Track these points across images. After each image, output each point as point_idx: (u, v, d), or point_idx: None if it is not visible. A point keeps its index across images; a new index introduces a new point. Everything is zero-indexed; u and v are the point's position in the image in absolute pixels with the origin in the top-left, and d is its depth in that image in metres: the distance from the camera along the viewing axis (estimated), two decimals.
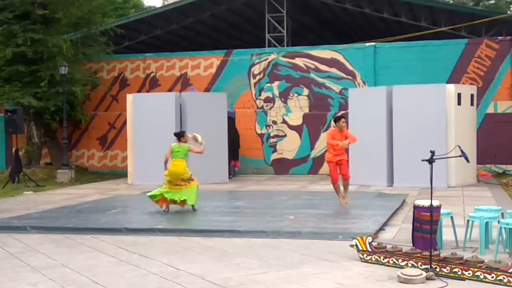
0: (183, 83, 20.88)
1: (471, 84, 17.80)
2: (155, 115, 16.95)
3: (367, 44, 19.58)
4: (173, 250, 8.13)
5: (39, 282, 6.52)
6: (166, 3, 39.94)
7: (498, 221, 7.64)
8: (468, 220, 7.91)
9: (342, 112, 11.99)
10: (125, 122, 18.89)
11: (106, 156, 21.57)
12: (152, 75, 21.20)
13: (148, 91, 20.77)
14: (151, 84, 21.18)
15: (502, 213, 8.18)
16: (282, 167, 19.80)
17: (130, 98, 17.85)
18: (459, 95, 15.59)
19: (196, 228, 9.52)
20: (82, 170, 20.81)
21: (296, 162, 19.86)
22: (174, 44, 23.74)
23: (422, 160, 6.73)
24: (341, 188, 11.76)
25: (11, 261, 7.59)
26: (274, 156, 19.99)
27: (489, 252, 7.45)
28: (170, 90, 20.44)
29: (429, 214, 6.92)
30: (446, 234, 8.06)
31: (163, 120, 16.77)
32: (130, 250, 8.13)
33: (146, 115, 17.09)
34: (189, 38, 24.58)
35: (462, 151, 6.99)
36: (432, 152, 6.61)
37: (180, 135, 11.60)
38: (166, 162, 11.47)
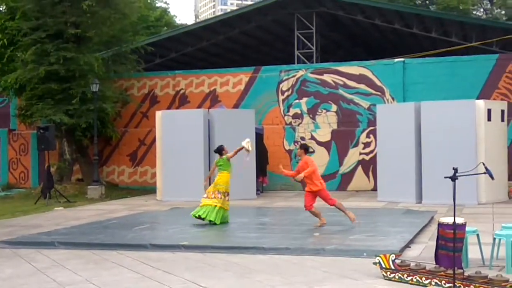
0: (212, 99, 21.04)
1: (502, 99, 17.56)
2: (184, 131, 17.11)
3: (396, 60, 19.50)
4: (197, 266, 8.17)
5: None
6: (197, 20, 40.46)
7: None
8: (494, 238, 7.78)
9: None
10: (154, 139, 19.10)
11: (136, 172, 21.81)
12: (181, 92, 21.41)
13: (177, 108, 20.98)
14: (180, 101, 21.38)
15: None
16: None
17: (159, 114, 18.06)
18: (489, 111, 15.38)
19: (221, 244, 9.56)
20: (112, 186, 21.05)
21: (324, 178, 19.47)
22: (204, 61, 24.01)
23: (445, 177, 6.66)
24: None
25: (38, 277, 7.72)
26: None
27: None
28: (199, 106, 20.60)
29: (453, 231, 6.85)
30: (472, 252, 7.94)
31: (191, 136, 16.93)
32: (154, 266, 8.19)
33: (175, 131, 17.27)
34: (219, 55, 24.83)
35: (486, 168, 6.90)
36: (455, 169, 6.55)
37: (219, 151, 12.41)
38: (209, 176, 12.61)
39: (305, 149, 11.43)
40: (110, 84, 20.96)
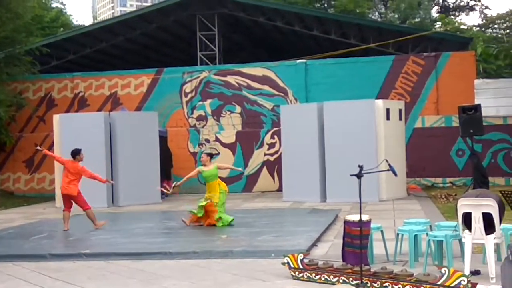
0: (113, 102, 20.45)
1: (399, 99, 18.18)
2: (84, 135, 16.43)
3: (298, 61, 19.75)
4: (100, 275, 7.82)
5: None
6: (96, 21, 39.31)
7: (427, 234, 7.70)
8: (397, 234, 7.95)
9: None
10: (52, 144, 18.26)
11: (33, 179, 20.82)
12: (80, 94, 20.68)
13: (76, 111, 20.22)
14: (79, 104, 20.64)
15: (430, 226, 8.28)
16: None
17: (57, 118, 17.30)
18: (388, 110, 15.87)
19: (125, 251, 9.19)
20: (7, 194, 20.00)
21: (230, 180, 19.58)
22: (104, 63, 23.28)
23: (351, 175, 6.71)
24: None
25: None
26: None
27: (418, 265, 7.50)
28: (99, 109, 19.95)
29: (359, 228, 6.92)
30: (377, 248, 8.08)
31: (92, 140, 16.29)
32: (54, 277, 7.76)
33: (74, 135, 16.53)
34: (119, 56, 24.16)
35: (389, 165, 7.03)
36: (361, 167, 6.61)
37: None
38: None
39: (211, 156, 12.11)
40: (3, 87, 19.84)
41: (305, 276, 7.03)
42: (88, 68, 22.15)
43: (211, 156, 12.03)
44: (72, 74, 20.94)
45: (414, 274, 6.34)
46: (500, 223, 6.82)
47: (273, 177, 19.31)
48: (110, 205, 16.43)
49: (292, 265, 7.17)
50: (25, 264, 8.66)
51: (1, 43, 20.07)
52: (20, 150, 20.89)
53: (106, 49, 23.03)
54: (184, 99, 20.09)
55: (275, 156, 19.18)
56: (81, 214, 12.42)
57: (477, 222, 6.78)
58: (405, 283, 6.21)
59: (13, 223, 13.65)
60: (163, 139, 18.45)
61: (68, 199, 11.74)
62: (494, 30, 42.75)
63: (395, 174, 7.18)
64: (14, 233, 11.69)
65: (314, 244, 9.23)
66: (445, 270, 6.01)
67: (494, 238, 6.74)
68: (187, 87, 20.10)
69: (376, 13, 43.57)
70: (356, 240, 7.08)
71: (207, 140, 19.91)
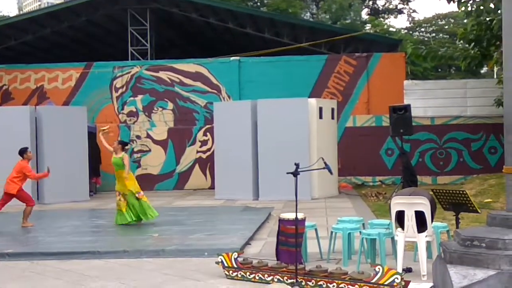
0: (39, 96, 19.74)
1: (331, 98, 18.36)
2: (8, 130, 15.78)
3: (232, 58, 19.64)
4: (24, 276, 7.44)
5: None
6: (21, 12, 37.90)
7: (360, 232, 7.74)
8: (331, 232, 7.95)
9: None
10: None
11: None
12: (4, 87, 19.85)
13: (0, 105, 19.38)
14: (3, 97, 19.82)
15: (363, 224, 8.33)
16: (147, 182, 19.10)
17: None
18: (320, 109, 15.97)
19: (51, 250, 8.80)
20: None
21: (161, 178, 19.39)
22: (31, 55, 22.42)
23: (287, 173, 6.63)
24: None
25: None
26: (138, 171, 19.36)
27: (352, 263, 7.52)
28: (25, 103, 19.19)
29: (294, 227, 6.87)
30: (311, 246, 8.05)
31: (16, 135, 15.61)
32: None
33: None
34: (46, 49, 23.34)
35: (325, 163, 7.00)
36: (297, 165, 6.54)
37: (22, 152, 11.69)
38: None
39: (123, 144, 11.59)
40: None
41: (239, 275, 6.91)
42: (13, 60, 21.26)
43: (123, 144, 11.59)
44: None
45: (349, 272, 6.34)
46: (432, 221, 6.91)
47: (205, 175, 19.12)
48: (35, 202, 15.79)
49: (226, 264, 7.04)
50: None
51: None
52: None
53: (33, 42, 22.21)
54: (115, 94, 19.62)
55: (208, 153, 19.01)
56: (4, 212, 11.88)
57: (410, 220, 6.84)
58: (339, 282, 6.19)
59: None
60: (92, 135, 17.93)
61: (8, 197, 11.33)
62: (421, 33, 44.11)
63: (331, 173, 7.17)
64: None
65: (247, 243, 9.13)
66: (379, 268, 6.03)
67: (426, 236, 6.82)
68: (118, 82, 19.64)
69: (308, 13, 44.12)
70: (291, 238, 7.02)
71: (138, 137, 19.51)
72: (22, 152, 11.72)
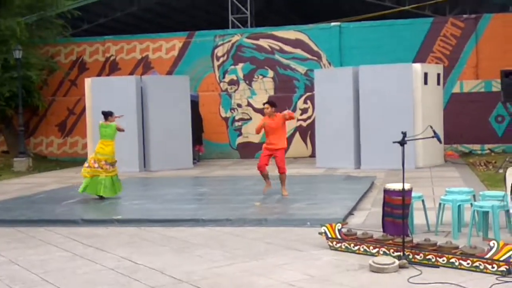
0: (144, 66, 20.25)
1: (437, 63, 17.59)
2: (115, 99, 16.25)
3: (332, 24, 19.21)
4: (131, 242, 7.67)
5: None
6: None
7: (471, 204, 7.35)
8: (440, 203, 7.61)
9: None
10: (84, 108, 18.20)
11: (65, 143, 20.86)
12: (112, 58, 20.51)
13: (108, 75, 20.10)
14: (111, 68, 20.49)
15: (474, 195, 7.91)
16: (248, 151, 19.36)
17: (88, 82, 17.19)
18: (425, 75, 15.33)
19: (157, 217, 9.04)
20: (40, 158, 20.09)
21: (261, 146, 19.38)
22: (135, 26, 22.99)
23: (394, 142, 6.37)
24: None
25: None
26: (240, 140, 19.56)
27: (462, 236, 7.16)
28: (131, 73, 19.77)
29: (400, 198, 6.60)
30: (417, 218, 7.75)
31: (123, 104, 16.07)
32: (85, 243, 7.63)
33: (106, 99, 16.34)
34: (150, 20, 23.84)
35: (434, 131, 6.67)
36: (404, 134, 6.26)
37: (108, 114, 11.43)
38: None
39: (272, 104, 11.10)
40: (35, 51, 19.83)
41: (343, 247, 6.76)
42: (119, 31, 21.90)
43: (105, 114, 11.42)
44: (103, 38, 20.74)
45: (460, 247, 6.02)
46: None
47: (305, 143, 19.00)
48: (142, 169, 16.36)
49: (329, 235, 6.90)
50: (57, 229, 8.57)
51: (31, 5, 19.93)
52: (52, 113, 20.91)
53: (138, 13, 22.74)
54: (216, 63, 19.78)
55: (308, 121, 18.84)
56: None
57: None
58: (450, 256, 5.89)
59: (45, 187, 13.65)
60: (194, 103, 18.22)
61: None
62: None
63: (440, 142, 6.82)
64: (46, 197, 11.65)
65: (350, 213, 8.96)
66: (493, 243, 5.67)
67: None
68: (219, 51, 19.76)
69: None
70: (397, 210, 6.76)
71: (239, 105, 19.62)
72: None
